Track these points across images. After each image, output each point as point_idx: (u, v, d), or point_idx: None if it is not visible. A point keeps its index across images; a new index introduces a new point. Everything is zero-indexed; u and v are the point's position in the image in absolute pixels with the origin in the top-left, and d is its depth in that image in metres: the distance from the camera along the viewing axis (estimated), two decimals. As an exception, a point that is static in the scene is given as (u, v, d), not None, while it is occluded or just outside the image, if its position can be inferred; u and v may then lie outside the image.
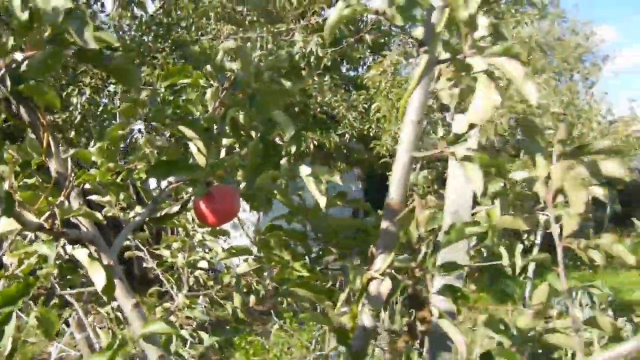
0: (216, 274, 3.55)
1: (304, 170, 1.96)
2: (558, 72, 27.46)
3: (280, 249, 2.29)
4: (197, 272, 3.33)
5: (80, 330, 2.84)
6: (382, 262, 1.61)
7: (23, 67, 1.34)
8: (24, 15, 1.22)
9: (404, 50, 11.07)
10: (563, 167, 1.46)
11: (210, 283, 3.38)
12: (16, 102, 1.52)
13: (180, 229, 3.19)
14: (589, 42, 29.93)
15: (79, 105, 8.83)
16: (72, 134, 9.12)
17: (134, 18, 11.65)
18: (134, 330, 1.66)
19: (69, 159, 1.73)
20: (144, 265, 3.47)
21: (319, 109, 12.00)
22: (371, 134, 12.01)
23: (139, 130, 2.01)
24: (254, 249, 2.42)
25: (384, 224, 1.64)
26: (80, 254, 1.53)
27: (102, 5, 11.53)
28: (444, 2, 1.46)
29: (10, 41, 1.29)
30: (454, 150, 1.51)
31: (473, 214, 1.87)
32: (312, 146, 11.48)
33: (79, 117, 8.86)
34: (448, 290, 1.63)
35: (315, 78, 11.40)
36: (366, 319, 1.68)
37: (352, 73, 15.21)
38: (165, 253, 3.26)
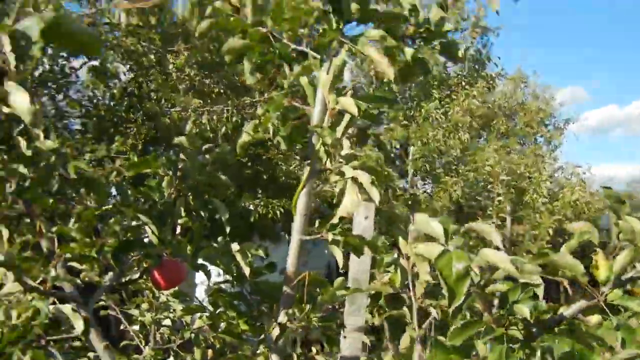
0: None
1: (235, 247, 2.60)
2: (522, 136, 28.24)
3: (226, 308, 2.90)
4: (162, 329, 3.90)
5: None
6: (282, 316, 2.25)
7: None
8: (29, 152, 1.89)
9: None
10: (410, 247, 2.11)
11: (174, 338, 3.93)
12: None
13: (147, 292, 3.78)
14: (549, 106, 30.80)
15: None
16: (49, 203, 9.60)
17: (108, 88, 12.27)
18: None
19: (55, 237, 2.37)
20: (121, 327, 4.03)
21: (283, 177, 12.59)
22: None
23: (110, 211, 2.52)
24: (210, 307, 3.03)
25: (284, 288, 2.29)
26: (65, 309, 2.17)
27: (77, 75, 12.20)
28: (316, 138, 2.14)
29: (21, 168, 1.95)
30: (329, 235, 2.17)
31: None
32: (278, 213, 12.02)
33: (56, 186, 9.36)
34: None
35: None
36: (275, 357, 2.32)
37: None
38: (135, 312, 3.84)
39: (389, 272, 2.59)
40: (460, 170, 15.33)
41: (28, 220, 2.35)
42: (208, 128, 11.27)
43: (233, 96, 11.27)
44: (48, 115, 12.00)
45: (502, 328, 1.69)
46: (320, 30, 2.13)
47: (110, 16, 9.84)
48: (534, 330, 1.78)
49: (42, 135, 1.90)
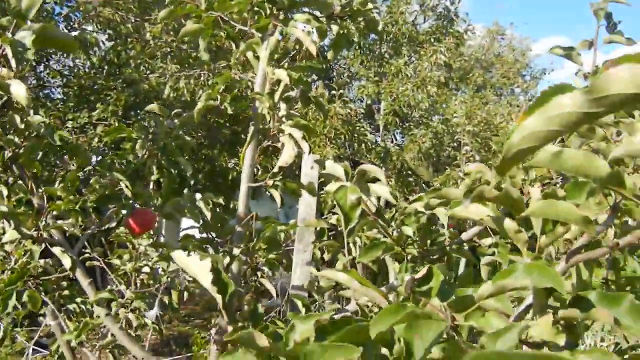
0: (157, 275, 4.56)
1: (197, 196, 3.07)
2: (499, 87, 28.64)
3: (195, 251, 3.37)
4: (142, 276, 4.37)
5: (54, 319, 3.87)
6: (235, 250, 2.73)
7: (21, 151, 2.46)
8: (22, 125, 2.36)
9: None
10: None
11: (152, 282, 4.39)
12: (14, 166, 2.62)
13: (128, 243, 4.25)
14: (525, 57, 31.17)
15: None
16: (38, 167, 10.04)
17: (88, 57, 12.66)
18: (89, 296, 2.76)
19: (44, 195, 2.83)
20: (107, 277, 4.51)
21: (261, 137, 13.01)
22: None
23: (90, 171, 2.93)
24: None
25: (237, 227, 2.76)
26: (56, 250, 2.64)
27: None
28: (258, 103, 2.61)
29: (15, 139, 2.41)
30: (270, 181, 2.64)
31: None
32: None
33: (40, 154, 9.80)
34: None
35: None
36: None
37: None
38: (117, 262, 4.32)
39: (336, 213, 3.06)
40: (429, 123, 15.81)
41: (20, 182, 2.81)
42: (185, 92, 11.69)
43: (210, 60, 11.65)
44: (30, 85, 12.39)
45: (398, 246, 2.15)
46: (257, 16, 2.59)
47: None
48: (429, 249, 2.26)
49: (32, 112, 2.39)
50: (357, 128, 13.43)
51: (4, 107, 2.40)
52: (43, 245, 2.82)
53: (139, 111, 12.10)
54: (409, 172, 14.94)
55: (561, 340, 1.10)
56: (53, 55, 13.01)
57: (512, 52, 30.63)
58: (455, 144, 15.32)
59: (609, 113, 0.67)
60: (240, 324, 2.14)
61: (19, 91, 1.87)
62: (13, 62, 1.80)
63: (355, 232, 2.43)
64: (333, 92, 13.48)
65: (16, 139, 2.49)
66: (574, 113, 0.67)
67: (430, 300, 1.16)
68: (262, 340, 0.93)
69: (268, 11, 2.59)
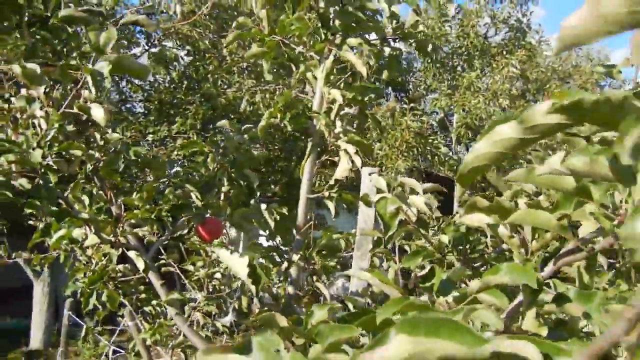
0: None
1: (262, 206, 3.31)
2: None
3: (263, 258, 3.62)
4: (214, 282, 4.64)
5: (132, 319, 4.16)
6: (294, 257, 2.96)
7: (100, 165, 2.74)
8: (101, 142, 2.64)
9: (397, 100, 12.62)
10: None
11: (223, 288, 4.65)
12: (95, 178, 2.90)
13: (201, 251, 4.53)
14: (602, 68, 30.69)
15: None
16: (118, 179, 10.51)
17: (168, 72, 13.15)
18: (161, 297, 3.02)
19: (122, 204, 3.11)
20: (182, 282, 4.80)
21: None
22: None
23: (166, 183, 3.20)
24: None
25: (296, 235, 3.00)
26: (131, 253, 2.91)
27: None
28: (316, 121, 2.83)
29: (96, 154, 2.70)
30: (327, 194, 2.87)
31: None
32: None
33: (122, 166, 10.26)
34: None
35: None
36: (290, 289, 3.04)
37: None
38: (190, 268, 4.59)
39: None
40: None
41: (101, 192, 3.09)
42: (262, 106, 12.02)
43: (285, 75, 11.96)
44: (113, 100, 12.91)
45: (438, 253, 2.33)
46: (313, 40, 2.83)
47: (165, 7, 10.58)
48: (469, 257, 2.44)
49: (110, 130, 2.68)
50: (430, 141, 13.57)
51: (88, 124, 2.68)
52: (120, 250, 3.09)
53: (216, 124, 12.44)
54: (483, 183, 14.98)
55: (544, 332, 1.29)
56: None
57: (590, 62, 30.28)
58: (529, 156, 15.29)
59: (542, 139, 0.87)
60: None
61: (97, 113, 2.17)
62: (93, 90, 2.09)
63: (400, 241, 2.63)
64: (405, 105, 13.66)
65: (97, 154, 2.77)
66: (512, 139, 0.87)
67: (434, 296, 1.37)
68: (282, 321, 1.14)
69: (323, 36, 2.81)
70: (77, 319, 8.11)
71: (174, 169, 3.75)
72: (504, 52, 16.29)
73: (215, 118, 12.18)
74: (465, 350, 0.68)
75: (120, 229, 2.98)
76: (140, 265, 2.89)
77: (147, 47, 12.75)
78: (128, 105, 13.94)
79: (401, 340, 0.69)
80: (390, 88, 18.79)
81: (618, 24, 0.62)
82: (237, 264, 2.10)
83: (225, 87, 12.87)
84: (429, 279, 1.44)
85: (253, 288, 1.94)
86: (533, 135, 0.86)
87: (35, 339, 11.44)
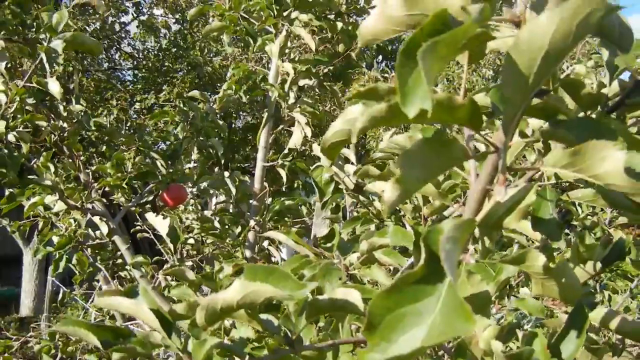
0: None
1: (226, 174, 3.47)
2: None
3: (230, 223, 3.77)
4: (187, 247, 4.80)
5: (106, 284, 4.33)
6: (251, 222, 3.12)
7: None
8: (64, 113, 2.79)
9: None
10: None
11: (195, 253, 4.80)
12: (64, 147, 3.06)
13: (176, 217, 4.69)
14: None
15: (108, 124, 10.37)
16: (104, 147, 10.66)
17: (157, 41, 13.25)
18: (127, 260, 3.18)
19: (90, 172, 3.27)
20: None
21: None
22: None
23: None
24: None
25: (253, 202, 3.16)
26: (96, 219, 3.07)
27: (127, 30, 13.20)
28: (271, 92, 2.98)
29: (61, 123, 2.85)
30: (281, 161, 3.02)
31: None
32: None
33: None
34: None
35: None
36: (247, 252, 3.20)
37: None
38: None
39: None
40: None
41: (70, 160, 3.24)
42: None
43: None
44: (102, 69, 13.02)
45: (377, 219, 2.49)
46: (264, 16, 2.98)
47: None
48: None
49: (74, 102, 2.83)
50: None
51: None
52: (89, 216, 3.25)
53: (206, 92, 12.59)
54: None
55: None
56: (124, 40, 13.60)
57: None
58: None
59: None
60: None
61: (53, 87, 2.33)
62: (47, 66, 2.26)
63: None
64: (390, 75, 13.71)
65: (64, 125, 2.91)
66: (358, 119, 1.03)
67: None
68: (190, 275, 1.30)
69: (276, 12, 2.95)
70: (62, 285, 8.26)
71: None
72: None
73: (201, 86, 12.29)
74: (282, 293, 0.84)
75: (85, 195, 3.13)
76: (104, 229, 3.04)
77: (135, 15, 12.83)
78: (117, 74, 14.02)
79: (237, 284, 0.85)
80: (380, 56, 18.84)
81: (401, 24, 0.78)
82: (160, 224, 2.30)
83: (212, 55, 12.96)
84: (330, 239, 1.60)
85: (172, 246, 2.11)
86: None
87: (25, 306, 11.60)
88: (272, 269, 0.87)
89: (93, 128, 2.96)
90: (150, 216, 2.37)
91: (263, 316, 0.98)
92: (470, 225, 0.62)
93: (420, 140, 0.68)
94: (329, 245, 1.58)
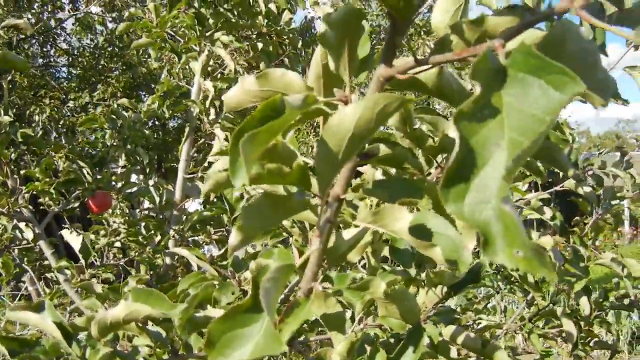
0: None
1: (150, 182, 3.62)
2: None
3: (155, 229, 3.92)
4: (113, 250, 4.92)
5: (32, 285, 4.44)
6: (172, 231, 3.28)
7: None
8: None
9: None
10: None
11: (121, 257, 4.93)
12: (-10, 153, 3.18)
13: (103, 221, 4.81)
14: None
15: (40, 122, 10.37)
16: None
17: (94, 39, 13.25)
18: (52, 265, 3.32)
19: (17, 178, 3.39)
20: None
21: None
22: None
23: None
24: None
25: (174, 212, 3.32)
26: (21, 224, 3.20)
27: (62, 27, 13.18)
28: (193, 108, 3.15)
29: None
30: (201, 174, 3.19)
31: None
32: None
33: (40, 132, 10.40)
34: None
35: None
36: (167, 259, 3.36)
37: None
38: (92, 237, 4.87)
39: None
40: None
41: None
42: (182, 77, 12.18)
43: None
44: (36, 64, 12.97)
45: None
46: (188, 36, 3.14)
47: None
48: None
49: (2, 113, 2.96)
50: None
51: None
52: (15, 221, 3.37)
53: (140, 92, 12.65)
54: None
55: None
56: (60, 36, 13.57)
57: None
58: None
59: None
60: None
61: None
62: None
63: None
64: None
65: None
66: (205, 184, 1.22)
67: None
68: (98, 288, 1.48)
69: (198, 33, 3.13)
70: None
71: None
72: (422, 33, 16.56)
73: (135, 87, 12.35)
74: (157, 312, 1.02)
75: (12, 201, 3.25)
76: (29, 235, 3.17)
77: (70, 12, 12.81)
78: (51, 70, 13.97)
79: (122, 304, 1.03)
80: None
81: (256, 97, 0.96)
82: (73, 241, 2.47)
83: (147, 56, 13.00)
84: (225, 257, 1.78)
85: (83, 261, 2.28)
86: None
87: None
88: (151, 292, 1.06)
89: (20, 140, 3.09)
90: (65, 233, 2.52)
91: (154, 329, 1.16)
92: (290, 269, 0.81)
93: (260, 195, 0.86)
94: (224, 263, 1.76)
